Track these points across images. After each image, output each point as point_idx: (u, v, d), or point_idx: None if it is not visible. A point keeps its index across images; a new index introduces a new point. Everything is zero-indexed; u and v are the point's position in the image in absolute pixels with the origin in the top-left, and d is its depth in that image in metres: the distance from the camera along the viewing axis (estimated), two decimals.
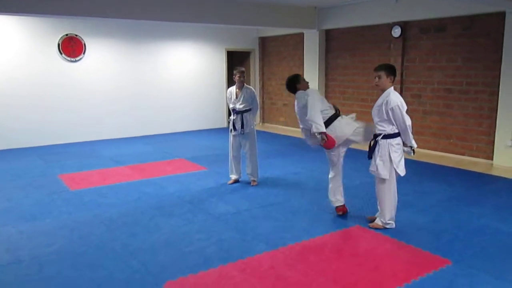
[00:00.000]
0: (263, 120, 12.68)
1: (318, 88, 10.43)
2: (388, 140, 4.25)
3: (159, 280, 3.42)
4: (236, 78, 6.00)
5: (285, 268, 3.61)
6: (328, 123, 4.54)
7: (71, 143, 9.66)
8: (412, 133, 4.31)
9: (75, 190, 5.94)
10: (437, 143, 8.27)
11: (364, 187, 5.89)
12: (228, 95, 6.24)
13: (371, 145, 4.39)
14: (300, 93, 4.83)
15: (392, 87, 4.30)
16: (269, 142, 9.61)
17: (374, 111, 4.33)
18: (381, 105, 4.24)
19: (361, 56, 9.57)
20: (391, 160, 4.25)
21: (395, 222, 4.48)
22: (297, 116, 4.89)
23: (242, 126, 6.01)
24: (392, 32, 8.61)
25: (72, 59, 9.52)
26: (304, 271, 3.56)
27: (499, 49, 7.08)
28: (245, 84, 6.09)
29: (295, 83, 4.95)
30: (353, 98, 9.86)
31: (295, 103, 4.86)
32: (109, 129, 10.25)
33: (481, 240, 4.19)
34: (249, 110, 6.09)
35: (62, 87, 9.50)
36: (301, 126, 4.88)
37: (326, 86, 10.51)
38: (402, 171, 4.31)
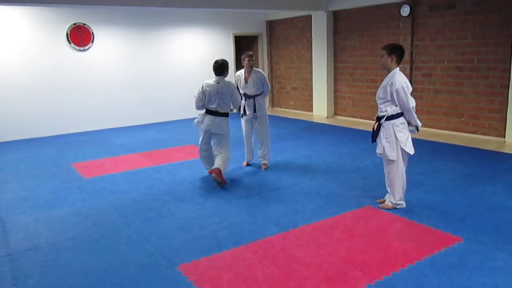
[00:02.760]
0: (273, 104, 12.66)
1: (327, 71, 10.38)
2: (392, 121, 4.24)
3: (174, 263, 3.49)
4: (245, 62, 6.00)
5: (297, 249, 3.65)
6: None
7: (83, 132, 9.77)
8: (415, 112, 4.29)
9: (89, 178, 6.03)
10: (448, 122, 8.21)
11: (374, 168, 5.89)
12: (236, 79, 6.24)
13: (375, 128, 4.38)
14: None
15: (398, 68, 4.26)
16: (279, 126, 9.61)
17: (379, 92, 4.31)
18: (386, 86, 4.22)
19: (369, 37, 9.47)
20: (398, 141, 4.24)
21: (406, 201, 4.49)
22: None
23: (255, 110, 6.02)
24: (401, 11, 8.49)
25: (81, 48, 9.57)
26: (315, 252, 3.60)
27: (511, 24, 6.95)
28: (253, 68, 6.08)
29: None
30: (362, 79, 9.79)
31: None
32: (119, 117, 10.33)
33: (492, 217, 4.18)
34: (261, 94, 6.09)
35: (72, 76, 9.57)
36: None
37: (335, 68, 10.45)
38: (410, 150, 4.30)
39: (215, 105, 5.50)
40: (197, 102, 5.58)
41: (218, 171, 5.33)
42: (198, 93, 5.55)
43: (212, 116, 5.51)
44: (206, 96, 5.52)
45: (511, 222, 4.05)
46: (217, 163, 5.46)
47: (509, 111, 7.12)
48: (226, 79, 5.65)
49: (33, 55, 9.08)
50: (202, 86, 5.54)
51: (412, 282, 3.08)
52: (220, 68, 5.55)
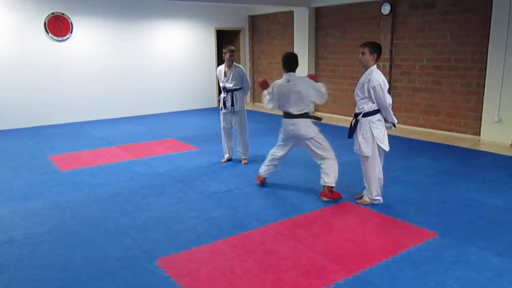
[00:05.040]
0: (254, 99, 12.66)
1: (308, 67, 10.42)
2: (369, 118, 4.31)
3: (152, 257, 3.48)
4: (227, 56, 5.98)
5: (276, 244, 3.68)
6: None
7: (61, 124, 9.61)
8: (391, 109, 4.35)
9: (66, 171, 5.94)
10: (426, 119, 8.35)
11: (353, 164, 5.94)
12: (217, 73, 6.25)
13: (352, 124, 4.44)
14: (296, 75, 4.76)
15: (375, 66, 4.33)
16: (260, 121, 9.63)
17: (357, 89, 4.38)
18: (363, 83, 4.28)
19: (351, 34, 9.54)
20: (374, 137, 4.30)
21: (383, 197, 4.57)
22: (292, 98, 4.66)
23: (232, 104, 6.02)
24: (382, 9, 8.58)
25: (59, 39, 9.39)
26: (294, 246, 3.63)
27: (488, 25, 7.10)
28: (234, 63, 6.08)
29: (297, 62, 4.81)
30: (343, 76, 9.87)
31: (291, 84, 4.66)
32: (99, 110, 10.19)
33: (467, 213, 4.29)
34: (240, 88, 6.09)
35: (50, 67, 9.39)
36: (292, 109, 4.70)
37: (316, 64, 10.50)
38: (386, 146, 4.38)
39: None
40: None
41: (328, 191, 4.67)
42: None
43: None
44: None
45: (485, 218, 4.16)
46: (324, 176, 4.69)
47: (484, 109, 7.28)
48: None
49: (9, 45, 8.86)
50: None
51: (388, 276, 3.13)
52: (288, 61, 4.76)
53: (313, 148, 4.70)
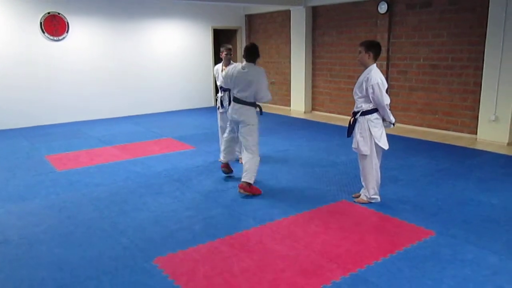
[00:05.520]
0: None
1: (305, 66, 10.42)
2: (367, 116, 4.31)
3: (149, 257, 3.46)
4: (223, 55, 5.98)
5: (273, 243, 3.67)
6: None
7: (57, 123, 9.57)
8: (389, 109, 4.36)
9: (63, 171, 5.92)
10: (423, 118, 8.36)
11: (350, 163, 5.96)
12: (215, 72, 6.24)
13: (350, 123, 4.45)
14: (254, 66, 4.95)
15: (375, 65, 4.32)
16: None
17: (356, 88, 4.38)
18: (362, 82, 4.28)
19: (347, 33, 9.55)
20: (372, 136, 4.31)
21: (381, 196, 4.57)
22: (241, 84, 4.91)
23: (230, 103, 6.00)
24: (379, 8, 8.59)
25: (55, 38, 9.35)
26: (291, 245, 3.62)
27: (484, 24, 7.11)
28: (231, 62, 6.07)
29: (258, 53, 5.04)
30: (340, 75, 9.88)
31: (246, 72, 4.88)
32: (95, 110, 10.15)
33: (463, 211, 4.30)
34: None
35: (46, 67, 9.35)
36: (236, 94, 5.00)
37: (313, 63, 10.50)
38: (384, 145, 4.37)
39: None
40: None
41: (247, 185, 4.84)
42: None
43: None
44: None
45: (481, 216, 4.17)
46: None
47: (481, 108, 7.29)
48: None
49: (4, 44, 8.81)
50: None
51: (385, 274, 3.13)
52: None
53: (244, 135, 4.92)
